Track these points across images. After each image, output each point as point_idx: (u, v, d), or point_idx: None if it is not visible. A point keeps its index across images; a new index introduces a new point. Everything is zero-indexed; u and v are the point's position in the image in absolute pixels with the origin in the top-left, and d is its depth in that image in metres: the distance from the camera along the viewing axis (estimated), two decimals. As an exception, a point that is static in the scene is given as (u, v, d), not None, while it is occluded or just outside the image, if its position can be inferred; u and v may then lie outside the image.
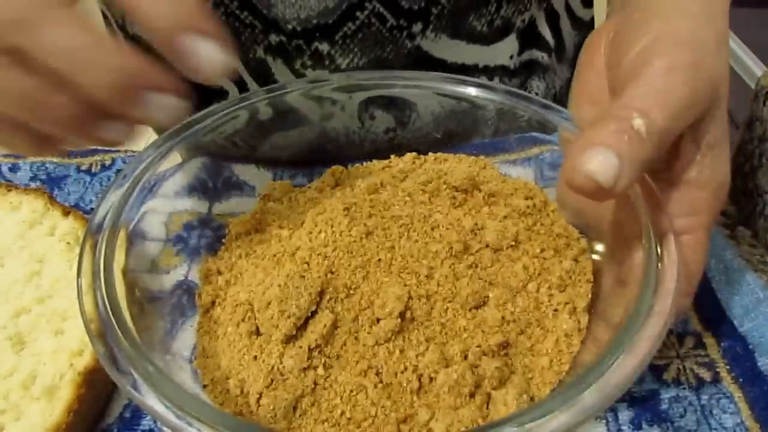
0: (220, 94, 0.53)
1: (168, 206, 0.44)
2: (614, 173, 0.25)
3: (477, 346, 0.31)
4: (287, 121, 0.47)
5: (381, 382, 0.30)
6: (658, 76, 0.27)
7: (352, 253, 0.33)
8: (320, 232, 0.34)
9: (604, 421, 0.34)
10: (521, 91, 0.40)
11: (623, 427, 0.34)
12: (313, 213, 0.36)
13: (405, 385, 0.30)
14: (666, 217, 0.29)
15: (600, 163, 0.25)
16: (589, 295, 0.34)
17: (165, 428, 0.35)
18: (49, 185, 0.53)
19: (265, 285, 0.33)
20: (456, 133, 0.47)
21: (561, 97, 0.59)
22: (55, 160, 0.55)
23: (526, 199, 0.38)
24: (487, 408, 0.30)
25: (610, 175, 0.25)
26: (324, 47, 0.48)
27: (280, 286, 0.32)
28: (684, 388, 0.36)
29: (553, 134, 0.41)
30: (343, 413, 0.29)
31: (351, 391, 0.30)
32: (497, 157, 0.46)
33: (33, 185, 0.52)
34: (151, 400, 0.26)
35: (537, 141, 0.43)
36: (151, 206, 0.45)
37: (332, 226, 0.34)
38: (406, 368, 0.30)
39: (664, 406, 0.35)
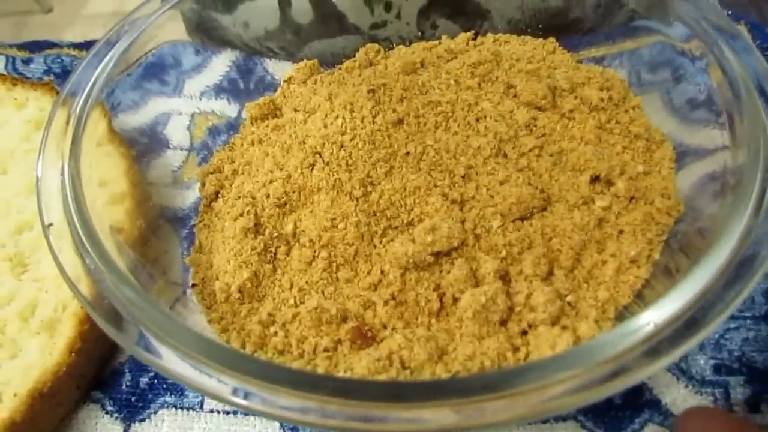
0: None
1: (192, 107, 0.38)
2: None
3: (516, 267, 0.24)
4: (331, 27, 0.38)
5: (394, 299, 0.24)
6: None
7: (374, 143, 0.27)
8: (337, 117, 0.28)
9: (711, 397, 0.28)
10: None
11: (736, 408, 0.27)
12: (334, 95, 0.30)
13: (423, 305, 0.24)
14: None
15: None
16: (671, 215, 0.26)
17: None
18: (63, 79, 0.46)
19: (271, 177, 0.28)
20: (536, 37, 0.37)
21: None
22: (72, 52, 0.49)
23: (601, 90, 0.30)
24: (524, 342, 0.23)
25: None
26: None
27: (284, 181, 0.27)
28: (822, 360, 0.28)
29: (663, 22, 0.31)
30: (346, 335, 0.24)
31: (360, 307, 0.24)
32: (580, 54, 0.37)
33: (46, 79, 0.46)
34: (166, 355, 0.20)
35: (636, 31, 0.34)
36: (174, 107, 0.38)
37: (352, 111, 0.28)
38: (426, 286, 0.24)
39: (795, 383, 0.28)
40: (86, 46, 0.49)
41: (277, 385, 0.17)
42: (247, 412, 0.27)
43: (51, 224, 0.23)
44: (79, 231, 0.22)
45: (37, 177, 0.24)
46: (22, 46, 0.49)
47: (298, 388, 0.17)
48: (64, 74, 0.47)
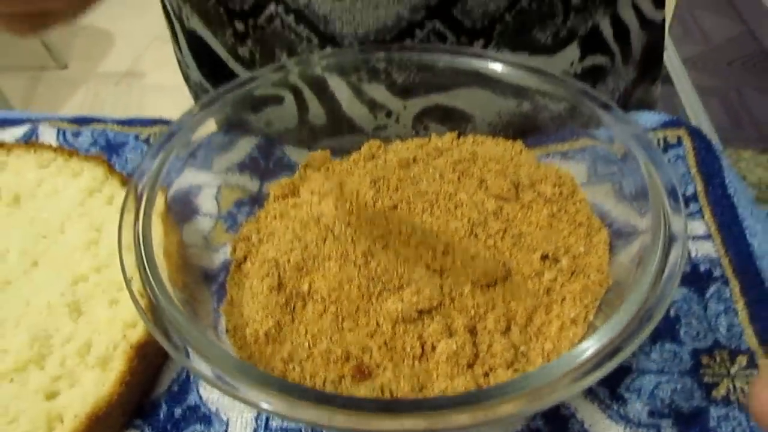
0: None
1: (219, 180, 0.45)
2: None
3: (482, 323, 0.31)
4: (341, 128, 0.47)
5: (386, 345, 0.31)
6: None
7: (374, 224, 0.34)
8: (346, 201, 0.36)
9: (645, 437, 0.34)
10: (587, 87, 0.38)
11: (665, 443, 0.33)
12: (344, 183, 0.37)
13: (408, 350, 0.31)
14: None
15: None
16: (602, 286, 0.33)
17: (209, 402, 0.36)
18: (108, 152, 0.54)
19: (292, 246, 0.35)
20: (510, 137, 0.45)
21: (625, 99, 0.56)
22: (115, 128, 0.57)
23: (554, 186, 0.38)
24: (486, 381, 0.30)
25: None
26: (381, 64, 0.47)
27: (302, 250, 0.34)
28: (735, 408, 0.35)
29: (601, 132, 0.39)
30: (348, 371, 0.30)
31: (360, 350, 0.31)
32: (549, 148, 0.45)
33: (93, 150, 0.54)
34: (204, 369, 0.26)
35: (587, 135, 0.42)
36: (204, 180, 0.46)
37: (358, 197, 0.36)
38: (411, 336, 0.31)
39: (711, 424, 0.34)
40: (128, 123, 0.57)
41: (298, 400, 0.24)
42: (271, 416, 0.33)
43: (131, 278, 0.29)
44: (152, 281, 0.29)
45: (119, 242, 0.31)
46: (72, 120, 0.57)
47: (312, 402, 0.24)
48: (108, 146, 0.54)
